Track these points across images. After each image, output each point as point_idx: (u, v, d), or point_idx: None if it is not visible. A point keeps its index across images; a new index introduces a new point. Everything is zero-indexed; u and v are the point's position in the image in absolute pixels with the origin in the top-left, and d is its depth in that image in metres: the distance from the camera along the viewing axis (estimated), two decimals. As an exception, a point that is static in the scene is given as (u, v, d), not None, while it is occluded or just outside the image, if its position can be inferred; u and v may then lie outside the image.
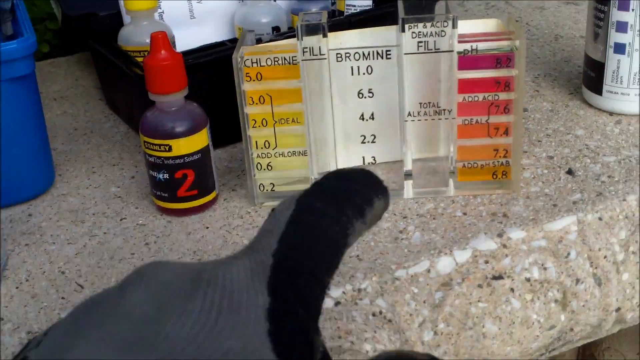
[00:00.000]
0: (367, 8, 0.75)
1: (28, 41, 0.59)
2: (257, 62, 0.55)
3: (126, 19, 0.74)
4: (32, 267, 0.54)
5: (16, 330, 0.48)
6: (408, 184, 0.58)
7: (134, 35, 0.70)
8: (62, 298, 0.51)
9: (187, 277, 0.29)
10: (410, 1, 0.56)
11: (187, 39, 0.75)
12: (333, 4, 0.79)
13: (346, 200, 0.32)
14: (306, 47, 0.55)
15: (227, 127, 0.63)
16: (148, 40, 0.69)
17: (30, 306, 0.50)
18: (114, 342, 0.28)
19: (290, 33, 0.69)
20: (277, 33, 0.72)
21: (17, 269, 0.54)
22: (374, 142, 0.59)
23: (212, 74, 0.64)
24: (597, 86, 0.67)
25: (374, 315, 0.49)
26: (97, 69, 0.79)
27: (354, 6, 0.78)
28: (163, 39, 0.56)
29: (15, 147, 0.60)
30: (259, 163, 0.58)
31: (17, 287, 0.52)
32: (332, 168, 0.58)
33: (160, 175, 0.57)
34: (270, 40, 0.65)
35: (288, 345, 0.27)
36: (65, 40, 0.95)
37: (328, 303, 0.49)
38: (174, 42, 0.71)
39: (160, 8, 0.74)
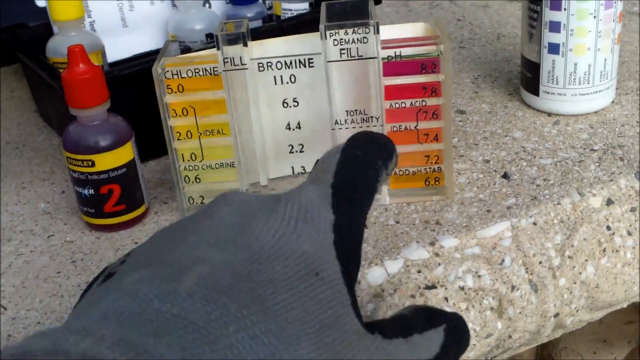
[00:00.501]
0: (300, 13, 0.74)
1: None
2: (177, 74, 0.54)
3: (55, 29, 0.72)
4: (-48, 291, 0.52)
5: None
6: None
7: (62, 47, 0.68)
8: (-18, 322, 0.49)
9: (267, 198, 0.35)
10: (335, 7, 0.55)
11: (120, 48, 0.73)
12: (270, 8, 0.78)
13: (377, 153, 0.39)
14: (227, 57, 0.54)
15: (158, 139, 0.62)
16: (77, 51, 0.68)
17: (-53, 333, 0.49)
18: (210, 242, 0.32)
19: (208, 42, 0.68)
20: (209, 41, 0.71)
21: (-63, 293, 0.52)
22: (302, 152, 0.58)
23: (138, 85, 0.62)
24: (534, 87, 0.67)
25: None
26: (28, 81, 0.77)
27: (290, 10, 0.77)
28: (80, 52, 0.54)
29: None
30: (186, 176, 0.57)
31: None
32: (263, 179, 0.57)
33: (86, 191, 0.56)
34: (202, 49, 0.63)
35: (346, 253, 0.34)
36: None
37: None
38: (104, 52, 0.70)
39: (90, 17, 0.73)
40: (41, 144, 0.72)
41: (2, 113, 0.79)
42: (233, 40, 0.53)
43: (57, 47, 0.69)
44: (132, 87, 0.62)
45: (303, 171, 0.59)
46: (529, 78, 0.67)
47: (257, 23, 0.75)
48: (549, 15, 0.63)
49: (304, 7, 0.76)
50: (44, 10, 0.75)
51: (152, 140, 0.61)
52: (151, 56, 0.69)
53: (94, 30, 0.73)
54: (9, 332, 0.48)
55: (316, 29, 0.57)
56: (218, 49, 0.53)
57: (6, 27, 0.74)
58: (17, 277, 0.53)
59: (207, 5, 0.77)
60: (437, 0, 0.97)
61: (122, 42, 0.74)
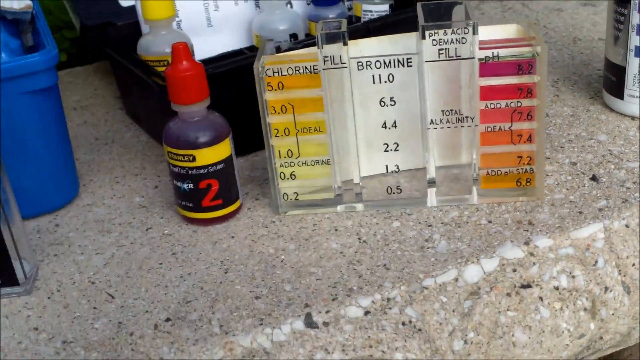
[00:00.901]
0: (384, 14, 0.75)
1: (50, 54, 0.59)
2: (278, 72, 0.55)
3: (144, 28, 0.74)
4: (62, 278, 0.54)
5: (51, 340, 0.48)
6: (432, 192, 0.58)
7: (153, 45, 0.70)
8: (94, 308, 0.51)
9: None
10: (430, 7, 0.56)
11: (205, 47, 0.75)
12: (349, 9, 0.79)
13: None
14: (327, 56, 0.55)
15: (247, 136, 0.63)
16: (167, 50, 0.70)
17: (63, 316, 0.50)
18: None
19: (309, 41, 0.69)
20: (296, 41, 0.72)
21: (48, 279, 0.54)
22: (397, 150, 0.59)
23: (230, 83, 0.64)
24: (618, 90, 0.67)
25: (403, 324, 0.49)
26: (117, 78, 0.79)
27: (371, 12, 0.78)
28: (184, 50, 0.56)
29: (41, 158, 0.60)
30: (282, 172, 0.58)
31: (48, 297, 0.52)
32: (355, 176, 0.58)
33: (185, 185, 0.57)
34: (289, 48, 0.65)
35: None
36: (83, 50, 0.95)
37: (357, 312, 0.49)
38: (193, 51, 0.71)
39: (177, 17, 0.74)
40: (129, 140, 0.74)
41: (88, 110, 0.81)
42: (333, 39, 0.55)
43: (149, 45, 0.71)
44: (224, 85, 0.64)
45: (397, 170, 0.60)
46: (613, 81, 0.67)
47: (338, 24, 0.76)
48: (637, 18, 0.63)
49: (384, 8, 0.77)
50: (128, 10, 0.78)
51: (241, 138, 0.63)
52: (236, 55, 0.71)
53: (180, 29, 0.75)
54: (119, 320, 0.50)
55: (400, 31, 0.59)
56: (319, 47, 0.55)
57: (96, 25, 0.76)
58: (120, 267, 0.55)
59: (288, 5, 0.78)
60: (509, 3, 0.97)
61: (207, 41, 0.76)
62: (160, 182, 0.65)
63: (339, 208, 0.59)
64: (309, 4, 0.79)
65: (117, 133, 0.75)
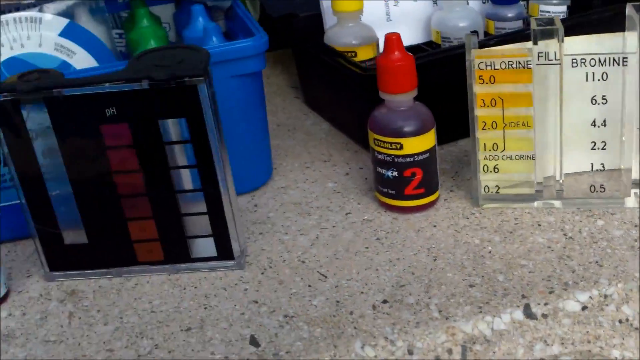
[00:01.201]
0: (561, 15, 0.75)
1: (261, 39, 0.61)
2: (491, 65, 0.56)
3: (327, 20, 0.75)
4: (272, 255, 0.56)
5: (273, 313, 0.50)
6: (634, 193, 0.58)
7: (341, 36, 0.72)
8: (309, 286, 0.52)
9: None
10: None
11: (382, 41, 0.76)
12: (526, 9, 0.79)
13: None
14: (541, 52, 0.55)
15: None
16: (354, 42, 0.71)
17: (280, 292, 0.52)
18: None
19: (498, 38, 0.69)
20: (486, 37, 0.72)
21: (258, 255, 0.56)
22: (604, 149, 0.59)
23: (426, 74, 0.65)
24: None
25: (620, 322, 0.49)
26: (299, 67, 0.81)
27: (548, 12, 0.78)
28: (397, 40, 0.57)
29: (244, 139, 0.62)
30: (485, 165, 0.58)
31: (262, 273, 0.54)
32: (557, 173, 0.58)
33: (389, 173, 0.58)
34: (482, 45, 0.65)
35: None
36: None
37: (575, 307, 0.49)
38: (378, 45, 0.72)
39: (359, 10, 0.76)
40: (310, 128, 0.75)
41: (264, 97, 0.83)
42: (547, 35, 0.55)
43: (336, 36, 0.72)
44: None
45: (602, 168, 0.59)
46: None
47: (517, 23, 0.76)
48: None
49: (561, 9, 0.77)
50: (306, 2, 0.79)
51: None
52: (414, 51, 0.71)
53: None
54: (336, 299, 0.51)
55: (581, 31, 0.58)
56: (534, 43, 0.55)
57: (281, 16, 0.78)
58: (327, 248, 0.56)
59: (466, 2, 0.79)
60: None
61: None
62: (350, 169, 0.67)
63: (536, 204, 0.59)
64: (484, 3, 0.80)
65: (298, 120, 0.77)
